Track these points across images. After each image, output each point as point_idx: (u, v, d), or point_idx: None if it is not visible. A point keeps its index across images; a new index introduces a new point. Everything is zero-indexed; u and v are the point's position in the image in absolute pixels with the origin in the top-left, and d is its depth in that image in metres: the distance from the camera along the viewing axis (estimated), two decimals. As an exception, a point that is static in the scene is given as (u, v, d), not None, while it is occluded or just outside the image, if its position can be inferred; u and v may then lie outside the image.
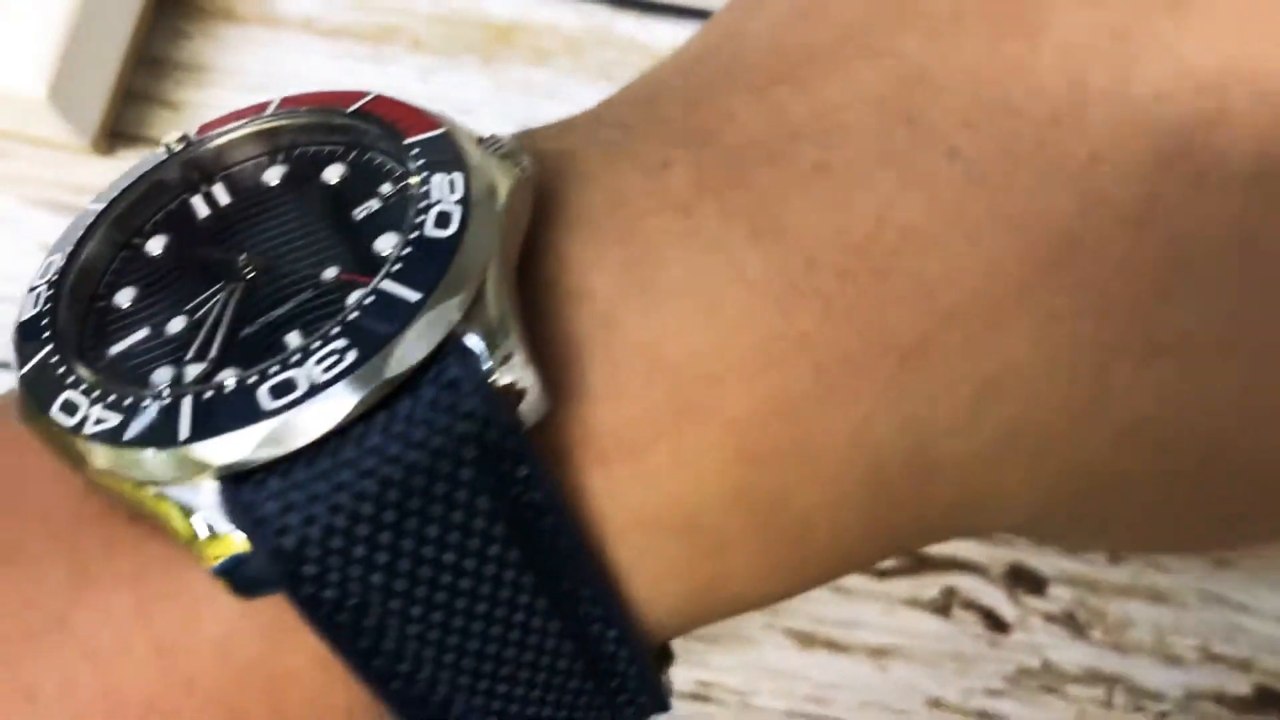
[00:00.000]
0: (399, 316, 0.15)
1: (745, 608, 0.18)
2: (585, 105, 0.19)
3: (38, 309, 0.16)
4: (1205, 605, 0.26)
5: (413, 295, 0.15)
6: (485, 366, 0.15)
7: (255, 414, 0.15)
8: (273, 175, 0.17)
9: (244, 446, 0.15)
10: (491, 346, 0.15)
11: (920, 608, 0.26)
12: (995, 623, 0.26)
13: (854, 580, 0.27)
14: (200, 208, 0.17)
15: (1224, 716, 0.26)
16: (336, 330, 0.15)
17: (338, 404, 0.14)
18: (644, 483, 0.16)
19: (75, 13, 0.28)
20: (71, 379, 0.16)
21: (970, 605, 0.27)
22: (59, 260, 0.17)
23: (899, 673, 0.26)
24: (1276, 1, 0.18)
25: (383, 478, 0.15)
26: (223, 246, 0.17)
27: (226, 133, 0.17)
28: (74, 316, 0.17)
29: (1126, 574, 0.27)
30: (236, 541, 0.15)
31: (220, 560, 0.15)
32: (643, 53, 0.30)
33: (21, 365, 0.16)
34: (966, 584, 0.27)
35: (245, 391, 0.15)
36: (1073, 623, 0.26)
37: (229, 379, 0.15)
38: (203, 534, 0.15)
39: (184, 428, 0.15)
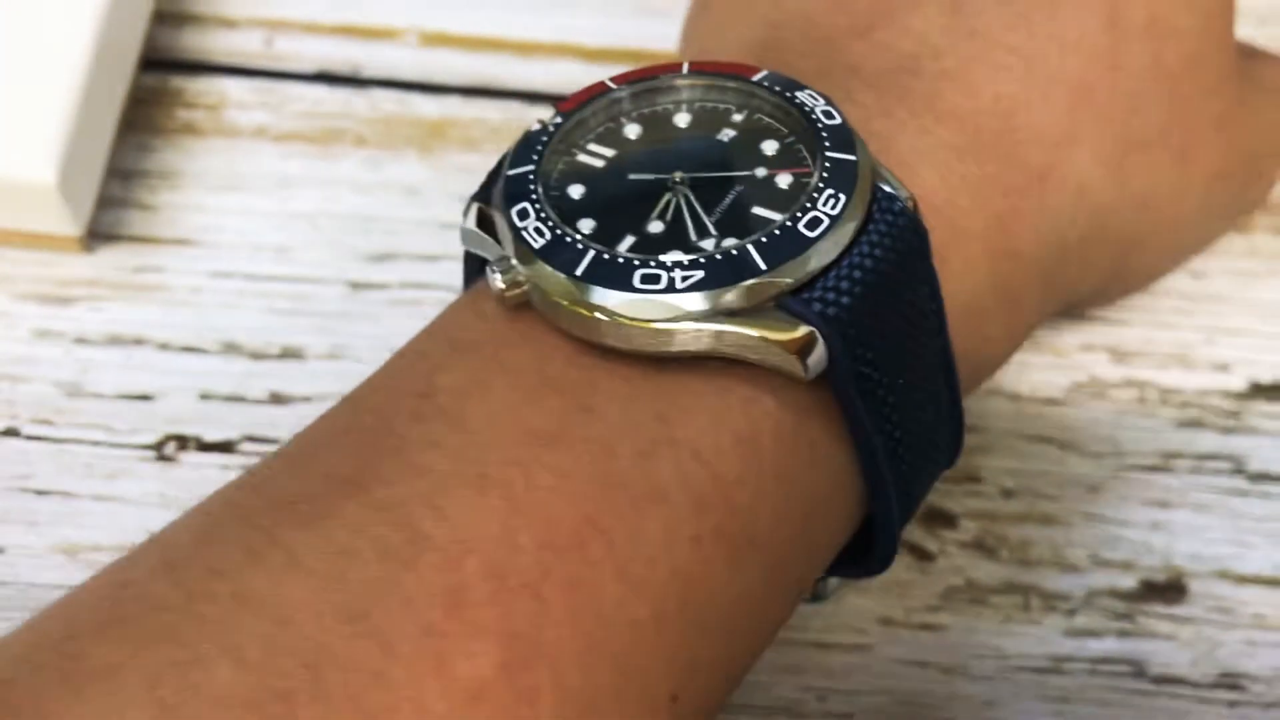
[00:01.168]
0: (850, 171, 0.21)
1: (986, 374, 0.26)
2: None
3: (547, 235, 0.21)
4: (1088, 524, 0.32)
5: (850, 157, 0.21)
6: (904, 197, 0.22)
7: (804, 242, 0.21)
8: (633, 130, 0.23)
9: (802, 266, 0.20)
10: (894, 188, 0.22)
11: (858, 549, 0.31)
12: (921, 554, 0.31)
13: (800, 532, 0.31)
14: (589, 160, 0.23)
15: (1119, 606, 0.31)
16: (821, 184, 0.21)
17: (849, 226, 0.21)
18: (951, 279, 0.23)
19: (76, 110, 0.32)
20: (636, 261, 0.21)
21: (899, 543, 0.31)
22: (528, 205, 0.22)
23: (850, 601, 0.30)
24: None
25: (879, 271, 0.21)
26: (648, 172, 0.22)
27: (587, 105, 0.23)
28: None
29: (1020, 506, 0.32)
30: (805, 336, 0.20)
31: (803, 352, 0.20)
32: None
33: (570, 270, 0.21)
34: (893, 527, 0.31)
35: (788, 231, 0.21)
36: (983, 548, 0.31)
37: (749, 239, 0.21)
38: (792, 334, 0.20)
39: (759, 263, 0.20)
